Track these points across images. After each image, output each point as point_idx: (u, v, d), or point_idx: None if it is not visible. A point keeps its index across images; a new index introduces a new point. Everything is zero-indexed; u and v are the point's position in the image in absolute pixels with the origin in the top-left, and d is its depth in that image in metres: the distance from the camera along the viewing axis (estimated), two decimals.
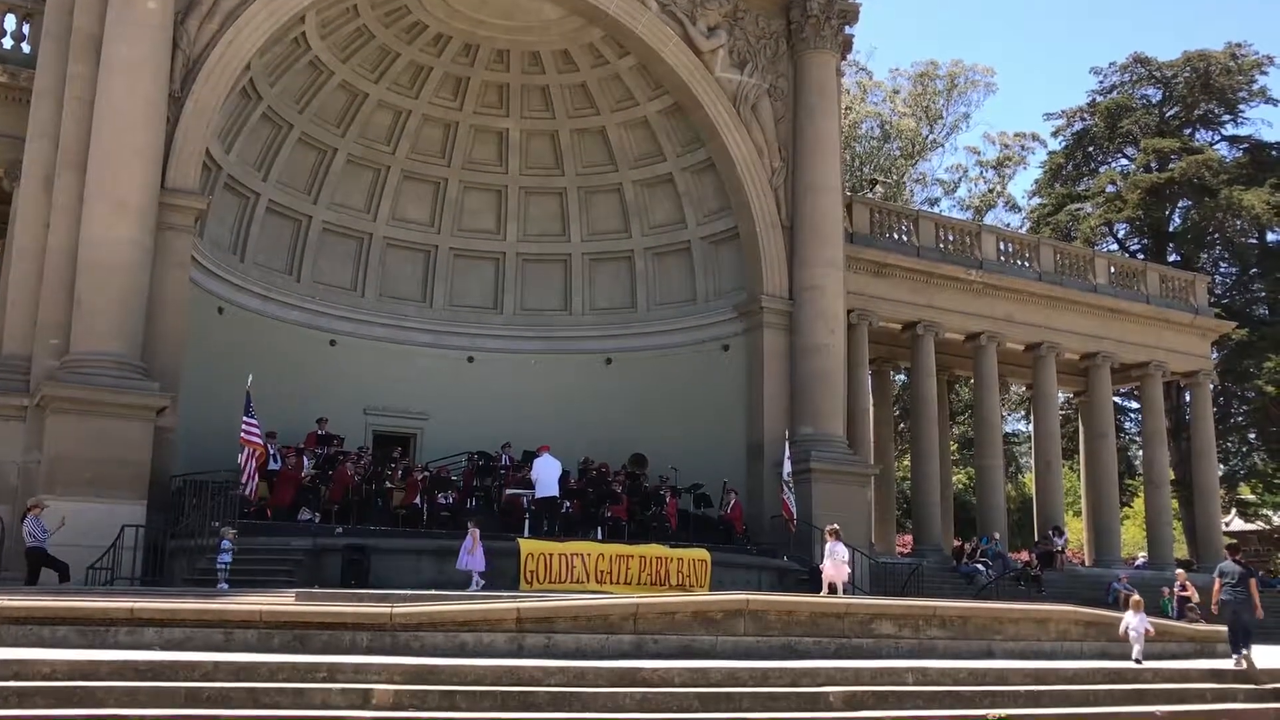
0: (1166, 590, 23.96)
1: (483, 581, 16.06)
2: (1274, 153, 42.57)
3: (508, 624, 10.75)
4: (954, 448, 45.41)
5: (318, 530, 18.28)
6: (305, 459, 20.47)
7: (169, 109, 19.45)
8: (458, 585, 16.31)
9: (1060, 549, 27.85)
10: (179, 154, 19.61)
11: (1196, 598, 22.95)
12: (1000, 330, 29.38)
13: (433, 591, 14.00)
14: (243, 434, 17.58)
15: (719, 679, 10.28)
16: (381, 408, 25.13)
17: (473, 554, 16.16)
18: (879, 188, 47.15)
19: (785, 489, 22.34)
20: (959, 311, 28.83)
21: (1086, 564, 32.09)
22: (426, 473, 20.96)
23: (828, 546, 17.19)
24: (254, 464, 17.90)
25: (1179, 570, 25.08)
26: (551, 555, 17.59)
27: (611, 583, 17.96)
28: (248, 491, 17.70)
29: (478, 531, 16.23)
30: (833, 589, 16.89)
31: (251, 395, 17.78)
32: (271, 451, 20.23)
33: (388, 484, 20.36)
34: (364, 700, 8.94)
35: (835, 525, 17.44)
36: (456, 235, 26.55)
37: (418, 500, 20.35)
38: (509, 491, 20.80)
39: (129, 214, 18.38)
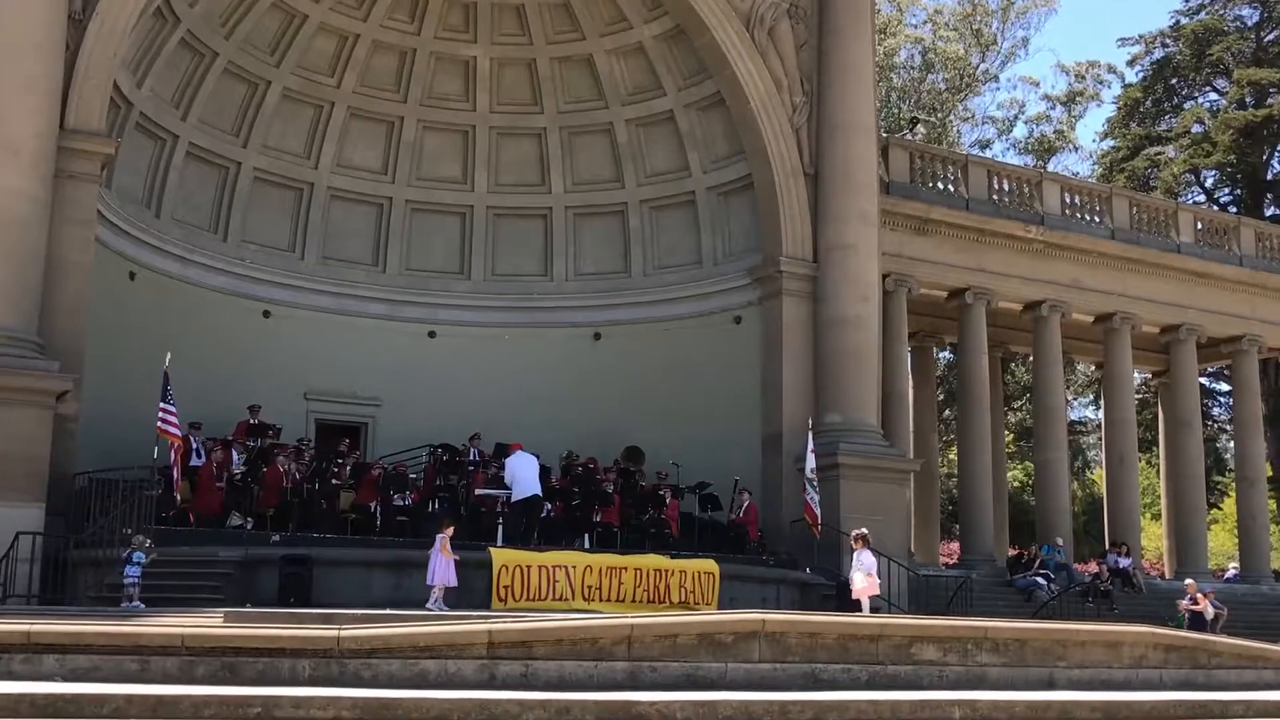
0: (1182, 604, 24.22)
1: (439, 600, 16.02)
2: None
3: (477, 649, 10.73)
4: (1009, 439, 45.68)
5: (250, 538, 18.28)
6: (235, 453, 20.47)
7: (68, 33, 19.29)
8: (419, 604, 16.33)
9: (1130, 568, 27.97)
10: (80, 88, 19.46)
11: (1212, 611, 23.09)
12: (1065, 298, 29.42)
13: (388, 611, 13.98)
14: (159, 424, 17.54)
15: (729, 714, 10.28)
16: (326, 392, 25.14)
17: (438, 565, 16.13)
18: (920, 128, 47.02)
19: (808, 488, 22.40)
20: (1016, 276, 28.85)
21: (1166, 576, 32.27)
22: (380, 470, 20.98)
23: (855, 556, 17.24)
24: (174, 459, 17.87)
25: (1189, 581, 25.24)
26: (530, 567, 17.63)
27: (601, 600, 17.98)
28: (175, 492, 17.68)
29: (446, 536, 16.19)
30: (858, 605, 16.95)
31: (170, 377, 17.74)
32: (194, 445, 20.22)
33: (334, 483, 20.37)
34: None
35: (864, 530, 17.50)
36: (414, 186, 26.47)
37: (370, 503, 20.35)
38: (479, 491, 20.83)
39: (19, 160, 18.27)
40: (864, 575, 16.99)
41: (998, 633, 13.29)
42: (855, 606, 17.09)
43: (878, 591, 17.34)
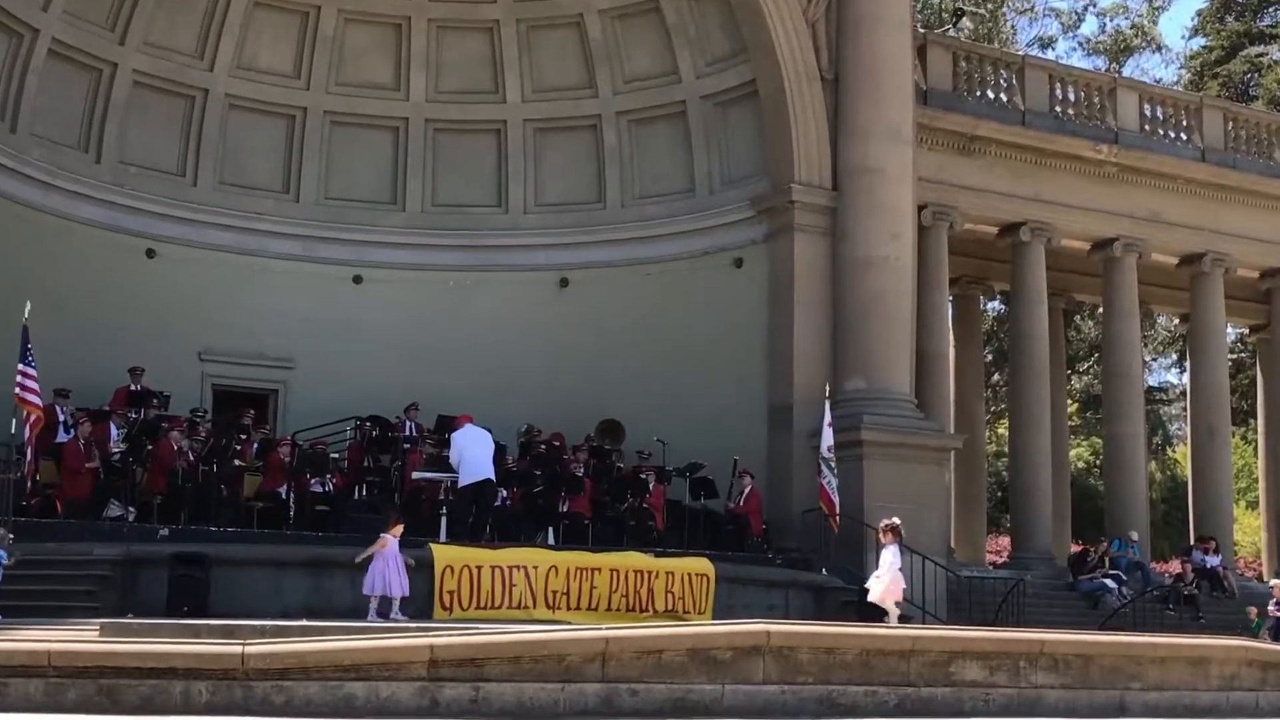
0: (1254, 610, 24.46)
1: (397, 610, 16.05)
2: None
3: (416, 668, 10.78)
4: (1072, 409, 45.93)
5: (132, 532, 18.21)
6: (113, 427, 20.37)
7: None
8: (342, 613, 16.33)
9: (1220, 568, 28.21)
10: None
11: None
12: (1142, 235, 29.50)
13: (304, 622, 13.97)
14: (16, 390, 17.45)
15: None
16: (225, 352, 25.06)
17: (390, 570, 16.09)
18: (966, 21, 46.86)
19: (824, 470, 22.48)
20: (1082, 207, 28.88)
21: (1265, 577, 32.56)
22: (293, 448, 20.94)
23: (883, 553, 17.33)
24: (29, 435, 17.79)
25: (1275, 581, 25.55)
26: (481, 569, 17.62)
27: (570, 609, 18.01)
28: (25, 475, 17.61)
29: (393, 536, 16.18)
30: (882, 614, 17.06)
31: (29, 333, 17.63)
32: (61, 417, 20.12)
33: (236, 464, 20.33)
34: None
35: (895, 520, 17.58)
36: (334, 93, 26.28)
37: (280, 488, 20.34)
38: (417, 475, 20.83)
39: None
40: (883, 576, 17.07)
41: (1057, 647, 13.41)
42: (879, 615, 17.20)
43: (901, 597, 17.42)
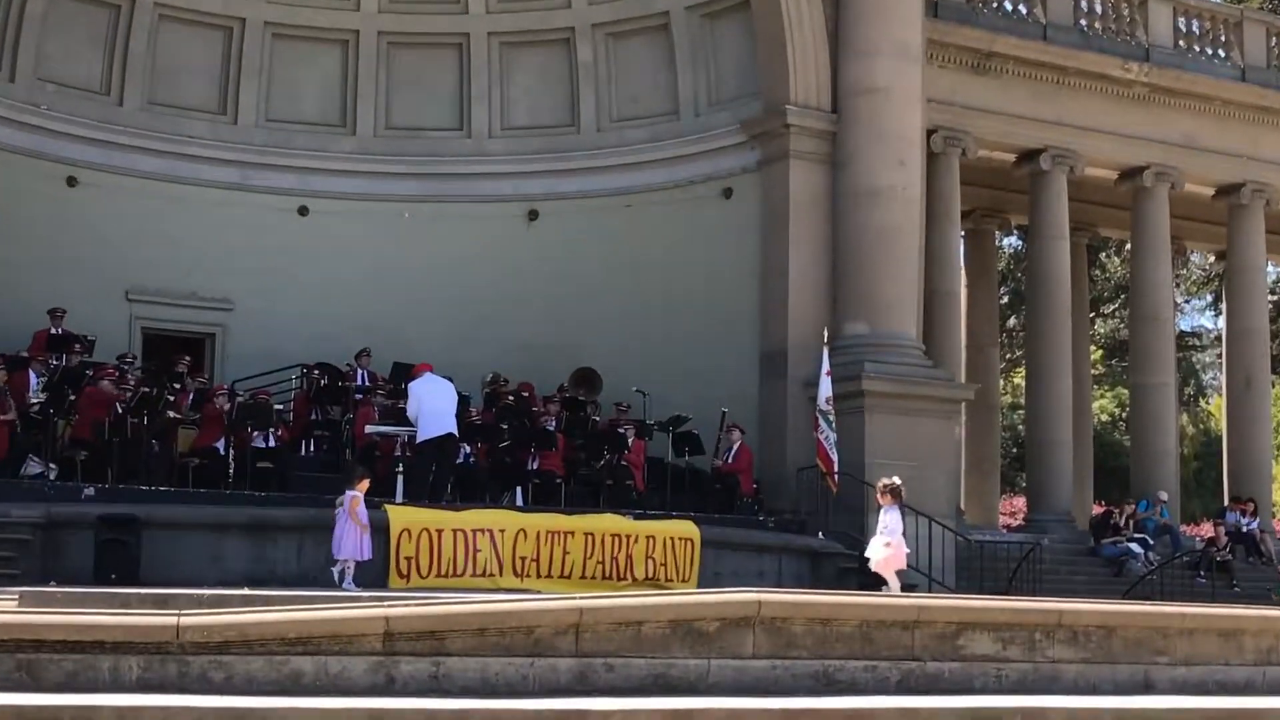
0: None
1: (349, 578, 16.10)
2: None
3: (370, 641, 10.77)
4: (1096, 356, 46.11)
5: (55, 492, 18.17)
6: (31, 375, 20.31)
7: None
8: (286, 581, 16.36)
9: (1257, 531, 28.39)
10: None
11: None
12: (1176, 163, 29.53)
13: (246, 591, 13.99)
14: None
15: None
16: (156, 292, 25.00)
17: (353, 529, 16.13)
18: None
19: (821, 424, 22.54)
20: (1109, 132, 28.88)
21: None
22: (233, 398, 20.91)
23: (882, 516, 17.35)
24: None
25: None
26: (442, 533, 17.68)
27: (540, 576, 18.09)
28: None
29: (360, 495, 16.20)
30: (881, 583, 17.16)
31: None
32: None
33: (169, 416, 20.30)
34: None
35: (895, 480, 17.57)
36: (277, 2, 26.04)
37: (219, 443, 20.33)
38: (370, 429, 20.82)
39: None
40: (884, 541, 17.13)
41: (1076, 618, 13.47)
42: (881, 584, 17.29)
43: (904, 564, 17.49)
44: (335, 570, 16.19)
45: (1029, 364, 30.87)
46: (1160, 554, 26.52)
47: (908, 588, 19.30)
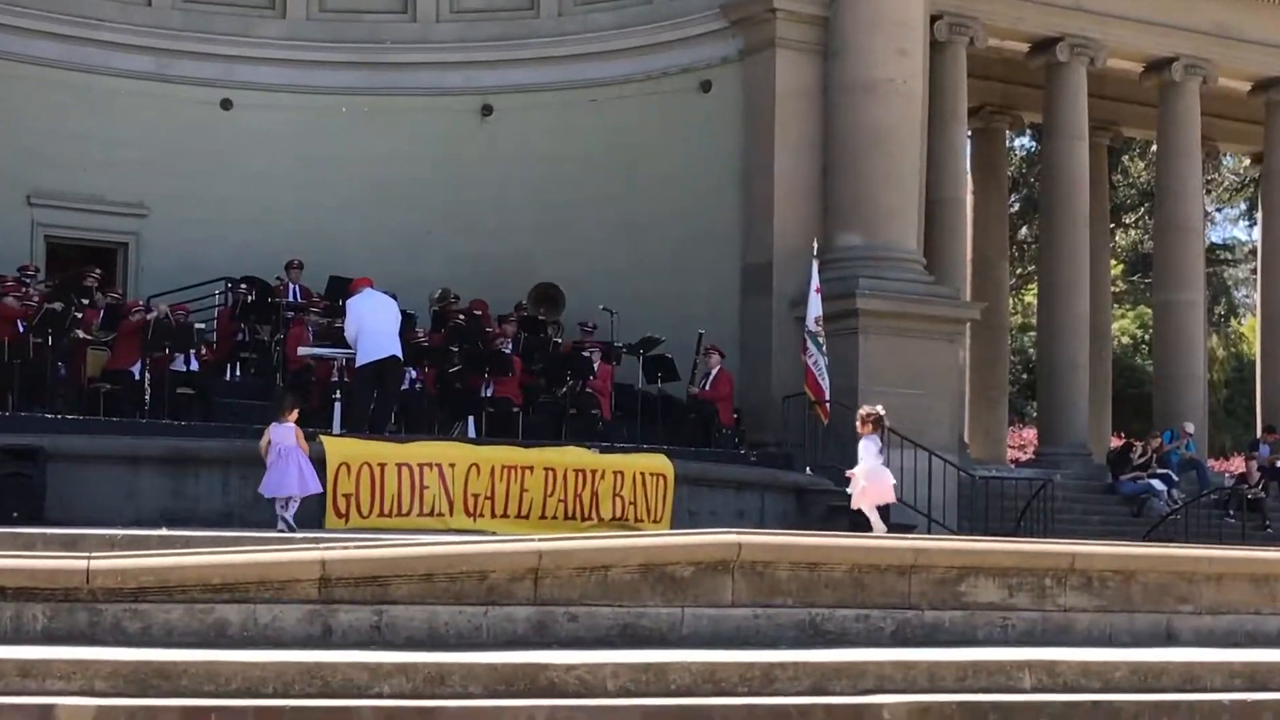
0: None
1: (289, 515, 16.17)
2: None
3: (304, 587, 10.81)
4: (1117, 271, 46.25)
5: None
6: None
7: None
8: (209, 521, 16.43)
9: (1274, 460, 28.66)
10: None
11: None
12: (1208, 54, 29.54)
13: (164, 532, 14.03)
14: None
15: (686, 682, 10.53)
16: (61, 195, 24.90)
17: (287, 466, 16.16)
18: None
19: (810, 347, 22.63)
20: (1135, 19, 28.85)
21: None
22: (148, 315, 20.88)
23: (860, 447, 17.44)
24: None
25: None
26: (384, 467, 17.70)
27: (494, 516, 18.14)
28: None
29: (291, 425, 16.24)
30: (866, 523, 17.30)
31: None
32: None
33: (77, 335, 20.26)
34: None
35: (877, 408, 17.69)
36: None
37: (132, 366, 20.32)
38: (303, 351, 20.82)
39: None
40: (865, 472, 17.22)
41: (1091, 561, 13.61)
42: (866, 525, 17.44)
43: (887, 497, 17.60)
44: (286, 514, 16.15)
45: (1042, 280, 31.00)
46: (1185, 491, 26.74)
47: (903, 528, 19.48)
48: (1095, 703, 11.31)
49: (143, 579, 10.57)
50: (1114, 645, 13.02)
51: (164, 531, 14.15)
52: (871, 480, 17.23)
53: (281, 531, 15.56)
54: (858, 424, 17.63)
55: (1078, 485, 26.81)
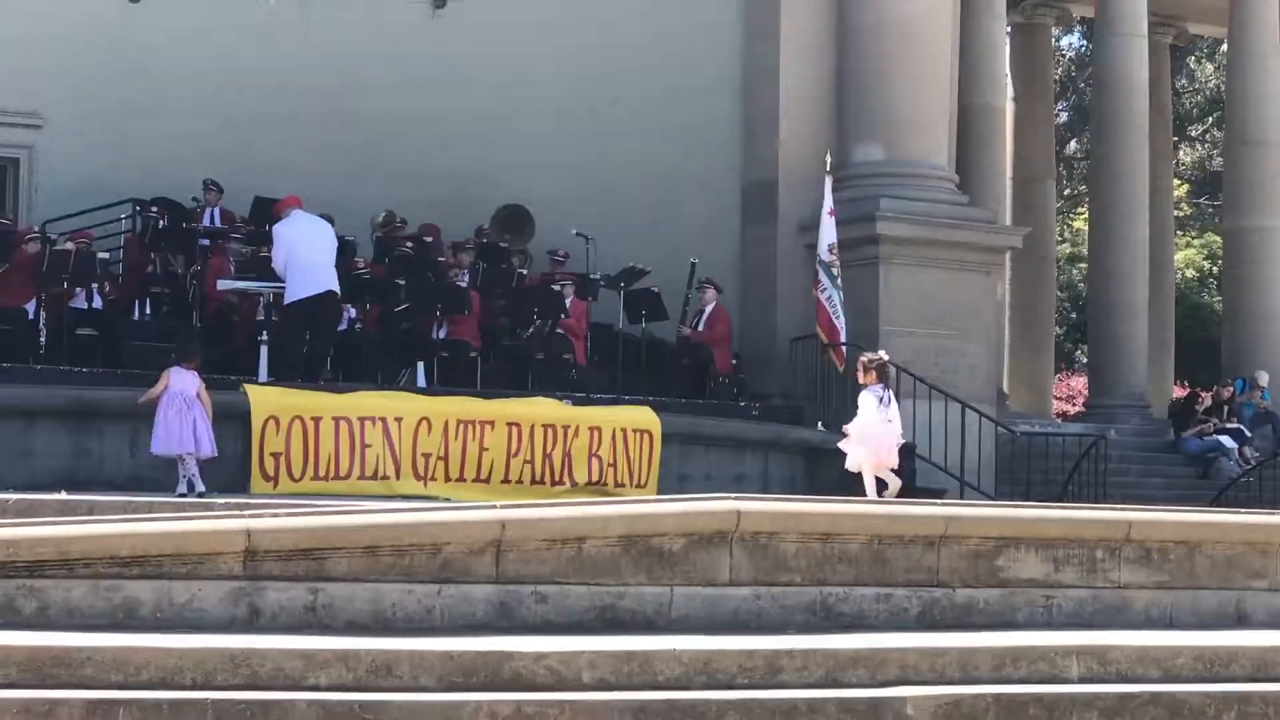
0: None
1: (192, 477, 16.14)
2: None
3: (228, 561, 10.81)
4: (1180, 192, 46.22)
5: None
6: None
7: None
8: (116, 484, 16.37)
9: None
10: None
11: None
12: None
13: (64, 496, 14.00)
14: None
15: (674, 674, 10.52)
16: None
17: (183, 419, 16.15)
18: None
19: (822, 279, 22.60)
20: None
21: None
22: (45, 244, 20.78)
23: (860, 400, 17.35)
24: None
25: None
26: (319, 422, 17.75)
27: (449, 479, 18.26)
28: None
29: (195, 374, 16.20)
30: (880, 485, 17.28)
31: None
32: None
33: None
34: None
35: (881, 354, 17.60)
36: None
37: (26, 303, 20.25)
38: (223, 285, 20.76)
39: None
40: (858, 430, 17.11)
41: (1150, 530, 13.63)
42: (904, 493, 17.39)
43: (893, 460, 17.52)
44: (187, 475, 16.14)
45: (1094, 203, 30.99)
46: (1259, 449, 26.80)
47: (935, 493, 19.47)
48: (1154, 695, 11.34)
49: (39, 551, 10.55)
50: (1176, 628, 13.04)
51: (63, 496, 14.12)
52: (867, 439, 17.15)
53: (183, 496, 15.48)
54: (858, 373, 17.57)
55: (1135, 443, 26.86)
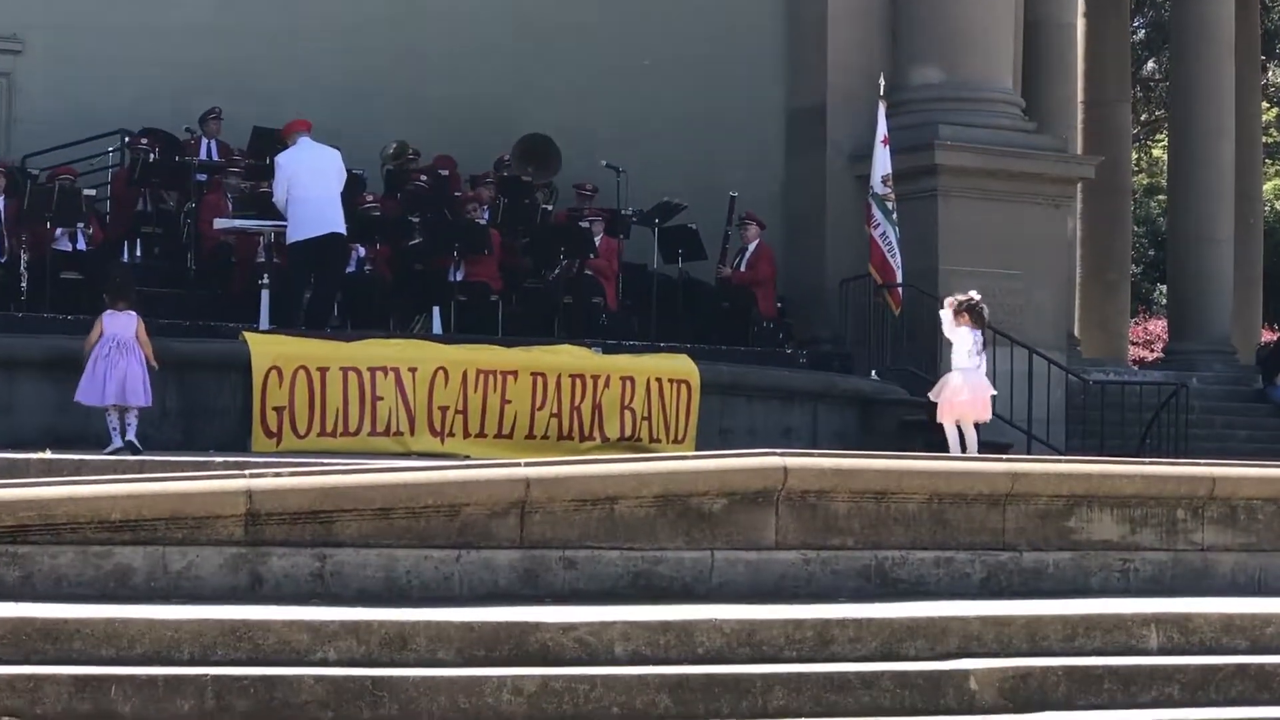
0: None
1: (126, 429, 16.17)
2: None
3: (227, 525, 10.84)
4: (1269, 116, 45.95)
5: None
6: None
7: None
8: (104, 441, 16.39)
9: None
10: None
11: None
12: None
13: (50, 455, 14.01)
14: None
15: (717, 646, 10.50)
16: None
17: (112, 366, 16.16)
18: None
19: (876, 215, 22.55)
20: None
21: None
22: (26, 180, 20.81)
23: (956, 337, 17.36)
24: None
25: None
26: (326, 373, 17.69)
27: (468, 435, 18.24)
28: None
29: (133, 315, 16.19)
30: (943, 442, 17.28)
31: None
32: None
33: None
34: None
35: (972, 295, 17.65)
36: None
37: (4, 243, 20.31)
38: (220, 224, 20.76)
39: None
40: (960, 376, 17.19)
41: (1236, 487, 13.61)
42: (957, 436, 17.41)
43: (989, 414, 17.56)
44: (114, 424, 16.13)
45: (1174, 128, 30.85)
46: None
47: (998, 448, 19.45)
48: (1240, 667, 11.35)
49: (22, 515, 10.59)
50: (1265, 594, 13.03)
51: (47, 455, 14.14)
52: (975, 388, 17.21)
53: (118, 452, 15.43)
54: (950, 312, 17.56)
55: (1219, 391, 26.81)
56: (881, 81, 23.16)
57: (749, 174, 24.33)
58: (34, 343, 18.15)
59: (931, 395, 17.87)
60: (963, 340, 17.38)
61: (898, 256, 22.51)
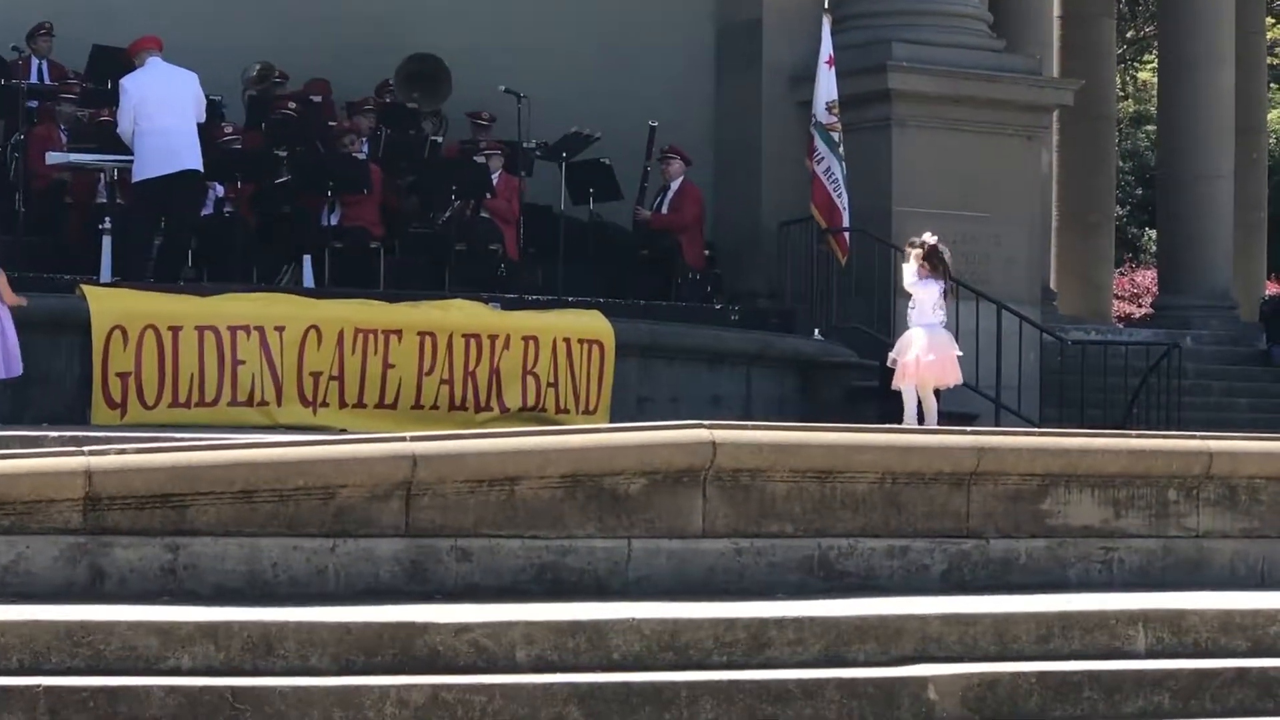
0: None
1: None
2: None
3: (63, 510, 10.82)
4: (1274, 33, 46.22)
5: None
6: None
7: None
8: None
9: None
10: None
11: None
12: None
13: None
14: None
15: (635, 651, 10.54)
16: None
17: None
18: None
19: (820, 148, 22.61)
20: None
21: None
22: None
23: (922, 291, 17.48)
24: None
25: None
26: (178, 333, 17.69)
27: (345, 405, 18.37)
28: None
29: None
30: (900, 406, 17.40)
31: None
32: None
33: None
34: None
35: (931, 238, 17.76)
36: None
37: None
38: (52, 159, 20.69)
39: None
40: (925, 334, 17.30)
41: (1236, 463, 13.73)
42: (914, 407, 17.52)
43: (957, 378, 17.67)
44: None
45: (1164, 49, 31.03)
46: None
47: (964, 418, 19.57)
48: (1240, 671, 11.47)
49: None
50: (1268, 587, 13.17)
51: None
52: (940, 348, 17.31)
53: None
54: (911, 268, 17.64)
55: (1217, 353, 27.04)
56: None
57: (673, 101, 24.41)
58: None
59: (892, 356, 17.94)
60: (928, 294, 17.46)
61: (845, 196, 22.55)
